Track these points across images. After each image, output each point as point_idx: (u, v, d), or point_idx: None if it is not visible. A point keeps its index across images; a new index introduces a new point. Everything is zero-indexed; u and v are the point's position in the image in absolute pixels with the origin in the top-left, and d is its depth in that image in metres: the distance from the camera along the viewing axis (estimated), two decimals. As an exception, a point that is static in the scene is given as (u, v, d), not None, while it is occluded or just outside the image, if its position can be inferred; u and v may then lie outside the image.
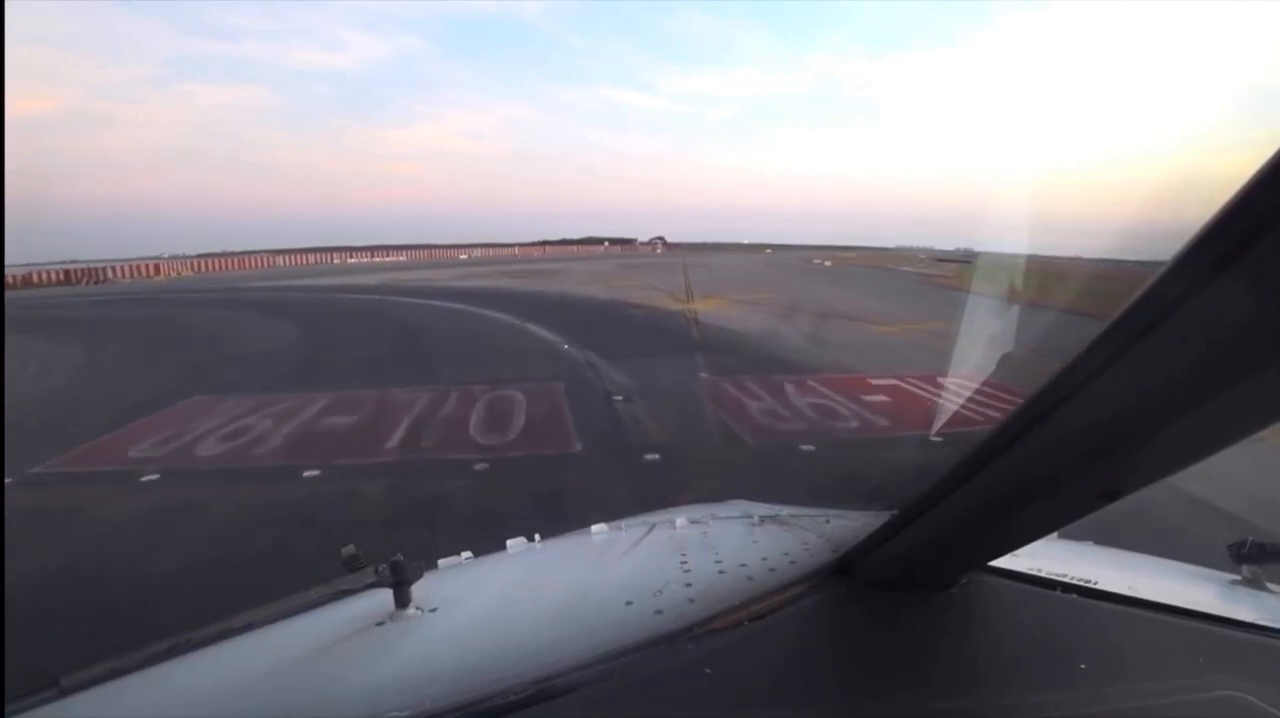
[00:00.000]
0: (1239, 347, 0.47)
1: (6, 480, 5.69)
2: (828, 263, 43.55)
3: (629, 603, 1.06)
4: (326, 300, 22.62)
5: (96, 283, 35.14)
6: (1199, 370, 0.50)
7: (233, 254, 50.27)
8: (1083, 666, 0.92)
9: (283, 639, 1.05)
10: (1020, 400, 0.63)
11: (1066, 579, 1.11)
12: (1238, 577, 1.27)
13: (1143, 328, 0.49)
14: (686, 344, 12.97)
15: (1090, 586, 1.10)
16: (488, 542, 1.41)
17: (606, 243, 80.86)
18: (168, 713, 0.92)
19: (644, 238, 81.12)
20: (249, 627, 1.03)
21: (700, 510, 1.56)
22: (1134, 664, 0.97)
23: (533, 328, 14.73)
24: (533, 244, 74.49)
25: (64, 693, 0.90)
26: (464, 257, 57.91)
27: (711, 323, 15.84)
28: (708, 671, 0.91)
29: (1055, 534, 1.19)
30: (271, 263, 49.24)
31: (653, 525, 1.45)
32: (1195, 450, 0.60)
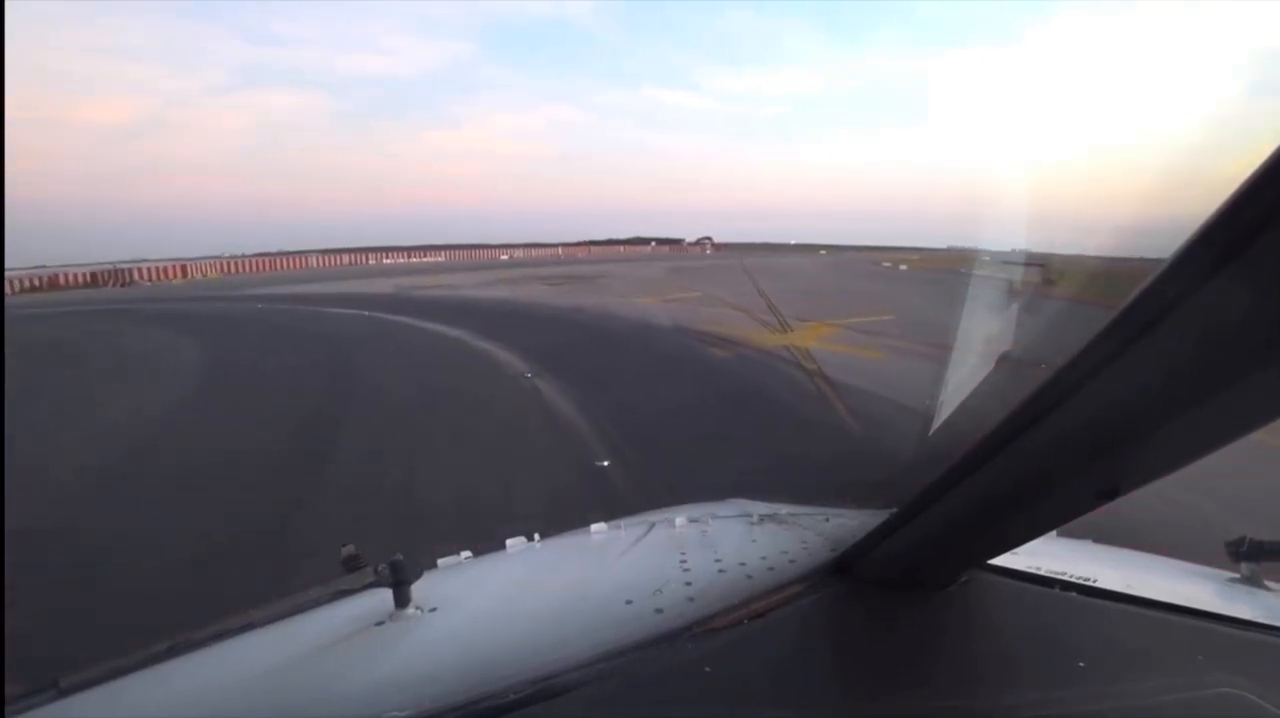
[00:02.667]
0: (1238, 344, 0.47)
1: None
2: (903, 267, 36.87)
3: (629, 602, 1.06)
4: (298, 321, 16.77)
5: (123, 285, 34.08)
6: (1198, 368, 0.50)
7: (287, 254, 49.59)
8: (1081, 663, 0.92)
9: (282, 639, 1.05)
10: (1021, 398, 0.63)
11: (1065, 577, 1.11)
12: (1236, 575, 1.27)
13: (1142, 325, 0.49)
14: (854, 454, 6.01)
15: (1089, 584, 1.11)
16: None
17: (653, 243, 76.47)
18: (167, 713, 0.92)
19: (690, 237, 77.45)
20: (248, 627, 1.03)
21: (700, 509, 1.57)
22: (1133, 662, 0.97)
23: (549, 392, 8.21)
24: (578, 244, 70.39)
25: (62, 693, 0.90)
26: (505, 257, 55.63)
27: (855, 383, 8.49)
28: (707, 669, 0.91)
29: (1054, 533, 1.19)
30: (306, 264, 47.07)
31: (652, 524, 1.45)
32: (1194, 448, 0.60)
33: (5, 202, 1.09)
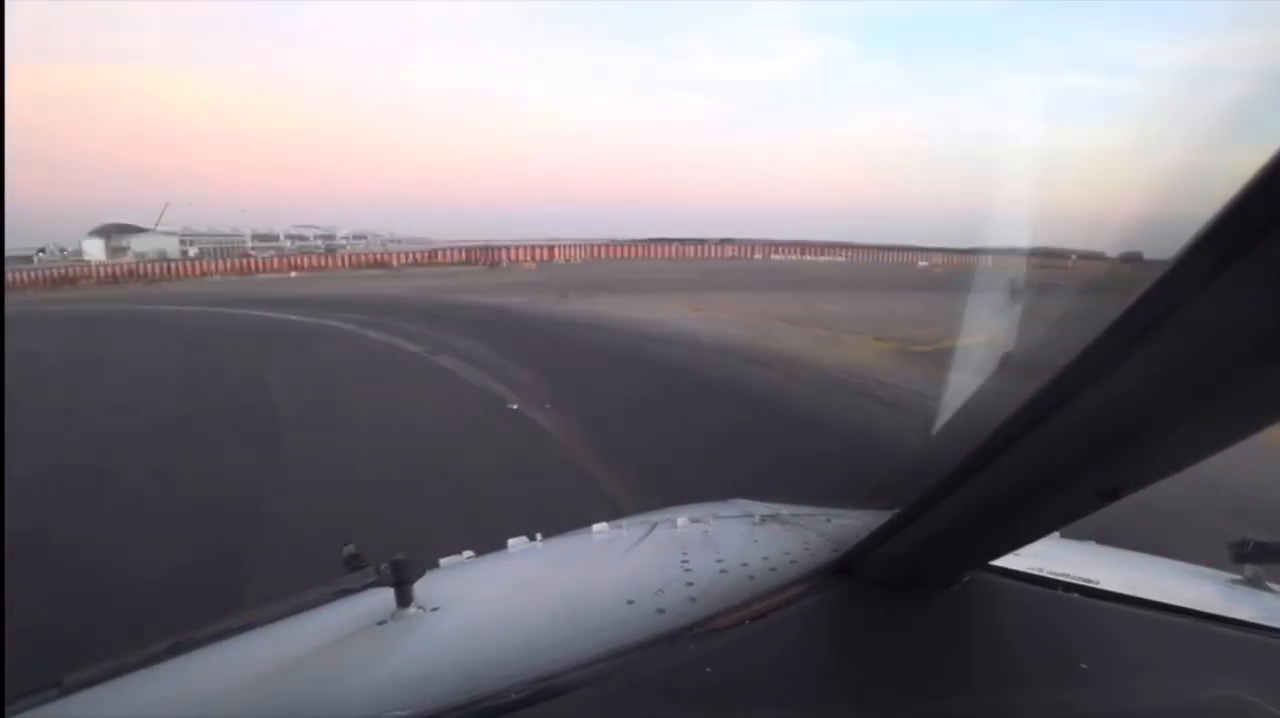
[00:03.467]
0: (1242, 345, 0.47)
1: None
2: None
3: (630, 602, 1.06)
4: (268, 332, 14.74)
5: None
6: (1201, 369, 0.50)
7: (662, 241, 51.58)
8: (1084, 665, 0.92)
9: (284, 639, 1.05)
10: (1024, 399, 0.63)
11: (1068, 579, 1.11)
12: (1239, 576, 1.27)
13: (1144, 327, 0.49)
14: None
15: (1091, 585, 1.10)
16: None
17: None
18: (169, 712, 0.92)
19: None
20: (250, 626, 1.03)
21: (701, 510, 1.56)
22: (1135, 664, 0.97)
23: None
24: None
25: (65, 692, 0.90)
26: (923, 264, 39.59)
27: None
28: (709, 670, 0.90)
29: (1057, 533, 1.20)
30: (669, 253, 46.88)
31: (654, 525, 1.45)
32: (1197, 449, 0.60)
33: (6, 201, 1.10)
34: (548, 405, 8.44)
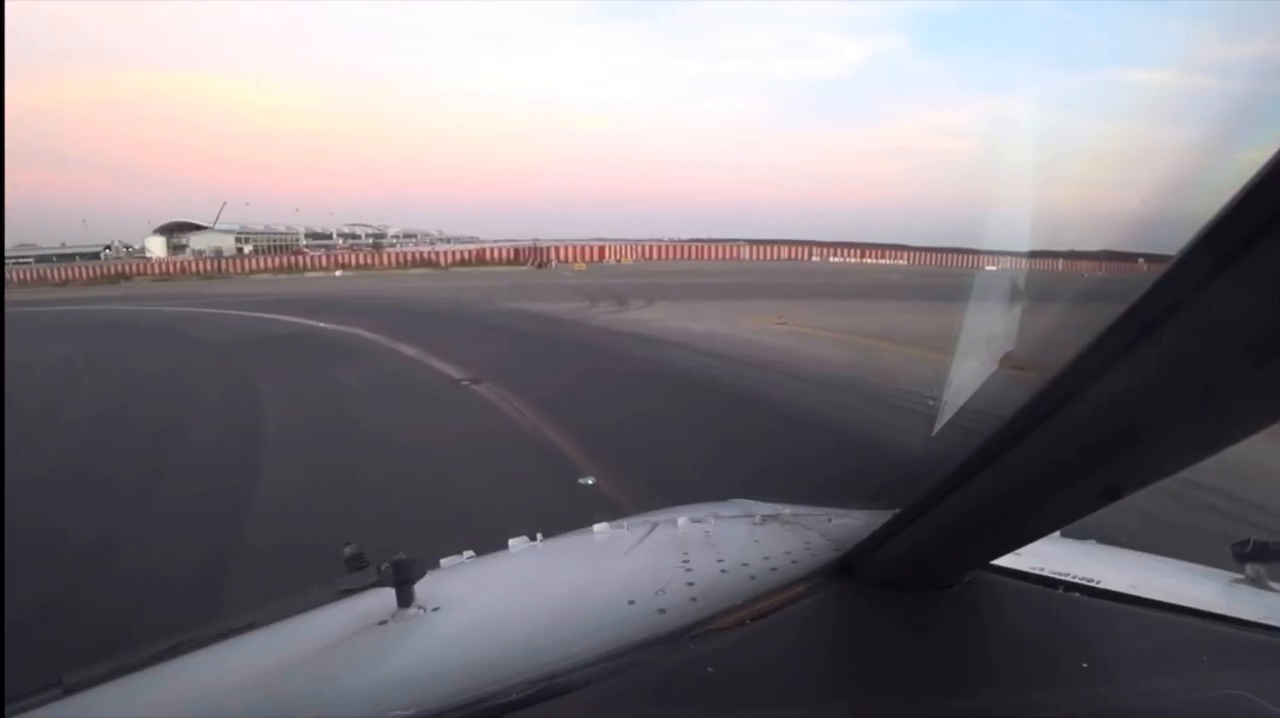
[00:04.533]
0: (1242, 346, 0.47)
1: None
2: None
3: (631, 602, 1.06)
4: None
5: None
6: (1201, 369, 0.50)
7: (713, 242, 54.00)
8: (1085, 664, 0.92)
9: (285, 639, 1.06)
10: (1024, 399, 0.63)
11: (1069, 578, 1.10)
12: (1240, 575, 1.26)
13: (1144, 327, 0.49)
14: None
15: (1093, 584, 1.10)
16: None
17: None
18: (171, 712, 0.93)
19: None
20: (252, 626, 1.04)
21: (702, 510, 1.56)
22: (1137, 663, 0.97)
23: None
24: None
25: (68, 692, 0.91)
26: (991, 267, 26.08)
27: None
28: (710, 669, 0.90)
29: (1058, 533, 1.19)
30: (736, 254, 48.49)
31: (654, 525, 1.45)
32: (1197, 449, 0.60)
33: (5, 200, 1.14)
34: (631, 482, 5.95)
